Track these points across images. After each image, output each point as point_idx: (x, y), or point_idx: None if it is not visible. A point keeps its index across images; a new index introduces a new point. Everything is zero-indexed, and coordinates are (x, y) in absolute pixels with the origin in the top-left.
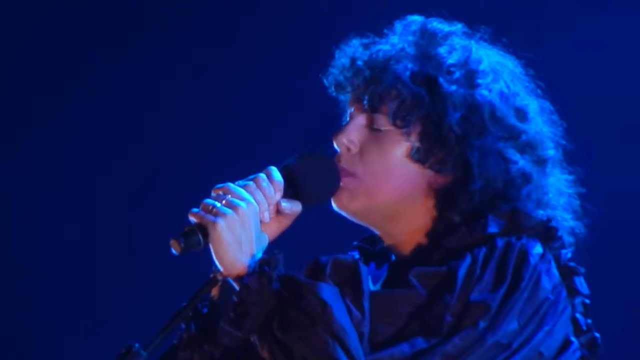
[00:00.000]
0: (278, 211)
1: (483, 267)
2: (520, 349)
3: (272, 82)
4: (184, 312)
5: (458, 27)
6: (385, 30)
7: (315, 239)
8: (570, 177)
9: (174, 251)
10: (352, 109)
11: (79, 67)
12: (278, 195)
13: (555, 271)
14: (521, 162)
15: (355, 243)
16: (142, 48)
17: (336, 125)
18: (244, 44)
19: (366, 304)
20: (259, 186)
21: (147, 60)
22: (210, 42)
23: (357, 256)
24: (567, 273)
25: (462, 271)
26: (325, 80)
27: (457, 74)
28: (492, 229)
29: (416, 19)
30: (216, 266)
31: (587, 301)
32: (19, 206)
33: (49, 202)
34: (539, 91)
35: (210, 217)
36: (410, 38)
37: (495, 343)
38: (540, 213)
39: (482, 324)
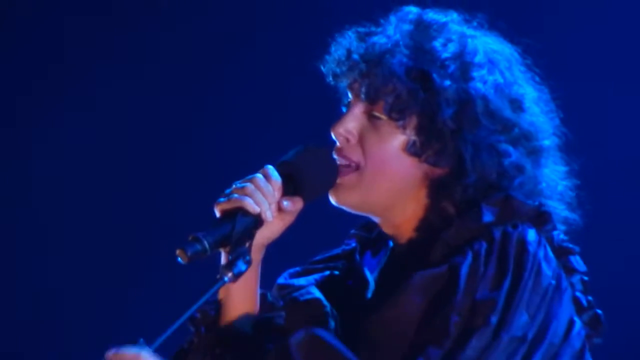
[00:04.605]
0: (280, 209)
1: (485, 263)
2: (537, 341)
3: (269, 80)
4: (190, 312)
5: (454, 16)
6: (382, 20)
7: (313, 230)
8: (566, 168)
9: (180, 260)
10: (351, 98)
11: (78, 67)
12: (277, 194)
13: (551, 255)
14: (514, 154)
15: (352, 231)
16: (139, 48)
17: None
18: (241, 40)
19: None
20: (257, 187)
21: (144, 60)
22: (208, 39)
23: (354, 244)
24: (562, 253)
25: (464, 269)
26: (322, 69)
27: (451, 68)
28: (487, 217)
29: (412, 9)
30: (221, 269)
31: (586, 278)
32: (19, 206)
33: (51, 202)
34: (537, 78)
35: (242, 197)
36: (406, 30)
37: (511, 338)
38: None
39: (493, 320)
